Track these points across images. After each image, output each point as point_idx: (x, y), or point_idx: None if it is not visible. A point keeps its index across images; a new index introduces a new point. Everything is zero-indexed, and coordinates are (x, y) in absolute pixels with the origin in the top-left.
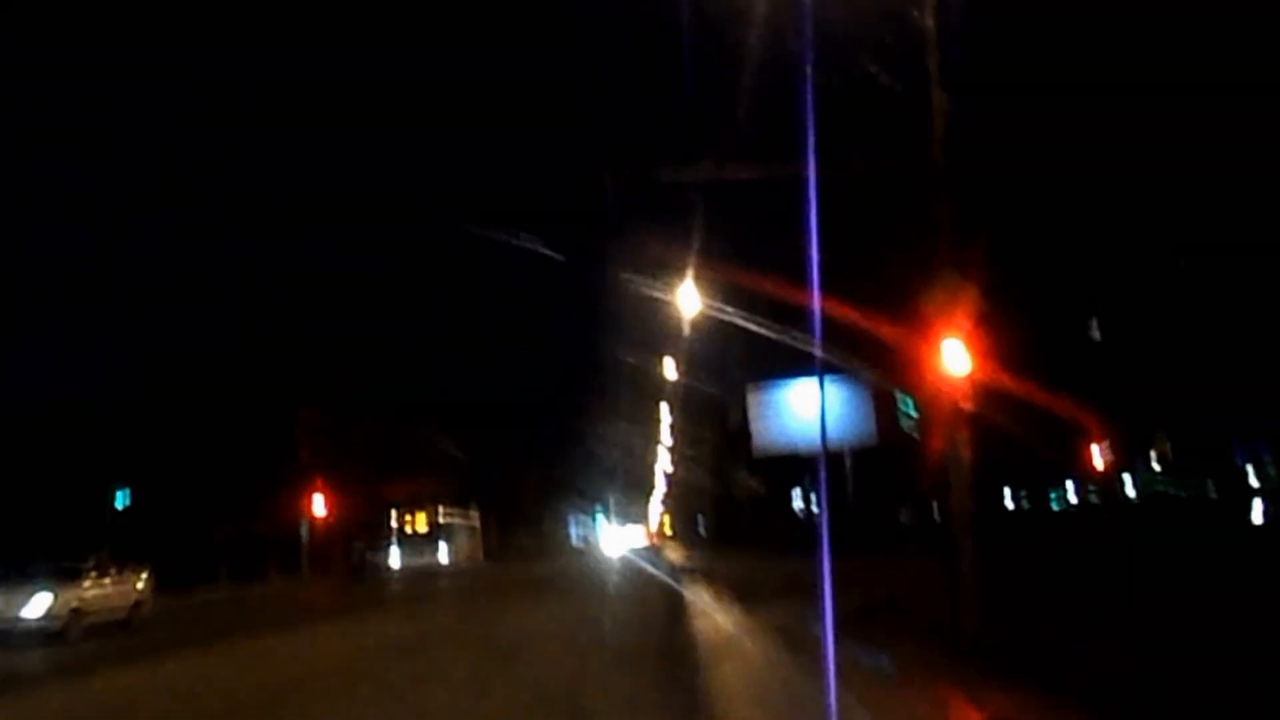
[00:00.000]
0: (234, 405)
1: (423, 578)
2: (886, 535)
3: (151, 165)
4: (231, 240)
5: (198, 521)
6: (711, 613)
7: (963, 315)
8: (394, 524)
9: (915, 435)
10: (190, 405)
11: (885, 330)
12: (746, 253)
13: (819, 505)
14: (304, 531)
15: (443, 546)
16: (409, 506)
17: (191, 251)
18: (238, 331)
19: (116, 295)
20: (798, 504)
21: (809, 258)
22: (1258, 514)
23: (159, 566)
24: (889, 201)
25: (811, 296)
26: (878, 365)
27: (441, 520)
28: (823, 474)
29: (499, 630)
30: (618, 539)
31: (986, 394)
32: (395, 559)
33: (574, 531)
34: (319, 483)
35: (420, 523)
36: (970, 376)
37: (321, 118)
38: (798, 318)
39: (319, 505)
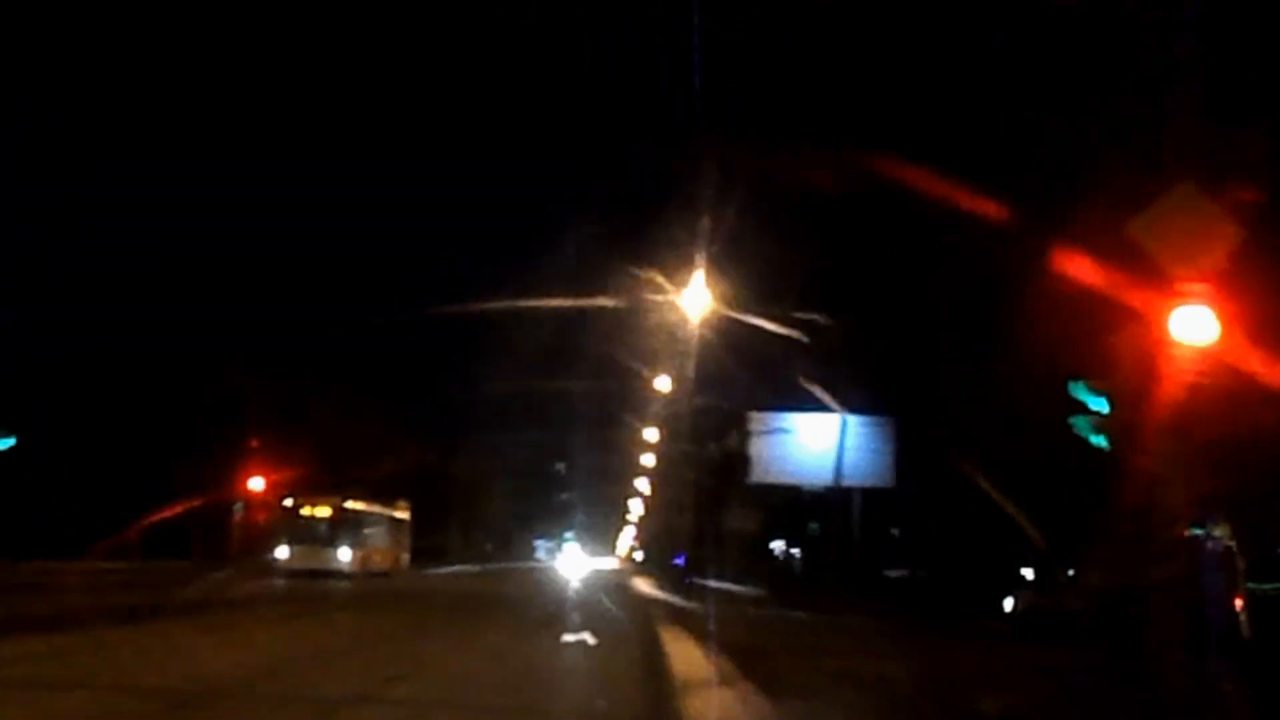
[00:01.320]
0: (167, 360)
1: (315, 581)
2: (881, 590)
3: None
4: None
5: (107, 485)
6: (712, 693)
7: (1214, 257)
8: (286, 508)
9: (1101, 442)
10: (108, 359)
11: (1062, 276)
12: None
13: (802, 547)
14: (239, 511)
15: (345, 544)
16: (310, 490)
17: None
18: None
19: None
20: (776, 544)
21: None
22: None
23: (41, 529)
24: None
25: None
26: (1044, 332)
27: (348, 508)
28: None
29: (364, 688)
30: (583, 561)
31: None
32: (282, 552)
33: (540, 546)
34: (258, 457)
35: (320, 509)
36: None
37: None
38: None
39: (257, 483)
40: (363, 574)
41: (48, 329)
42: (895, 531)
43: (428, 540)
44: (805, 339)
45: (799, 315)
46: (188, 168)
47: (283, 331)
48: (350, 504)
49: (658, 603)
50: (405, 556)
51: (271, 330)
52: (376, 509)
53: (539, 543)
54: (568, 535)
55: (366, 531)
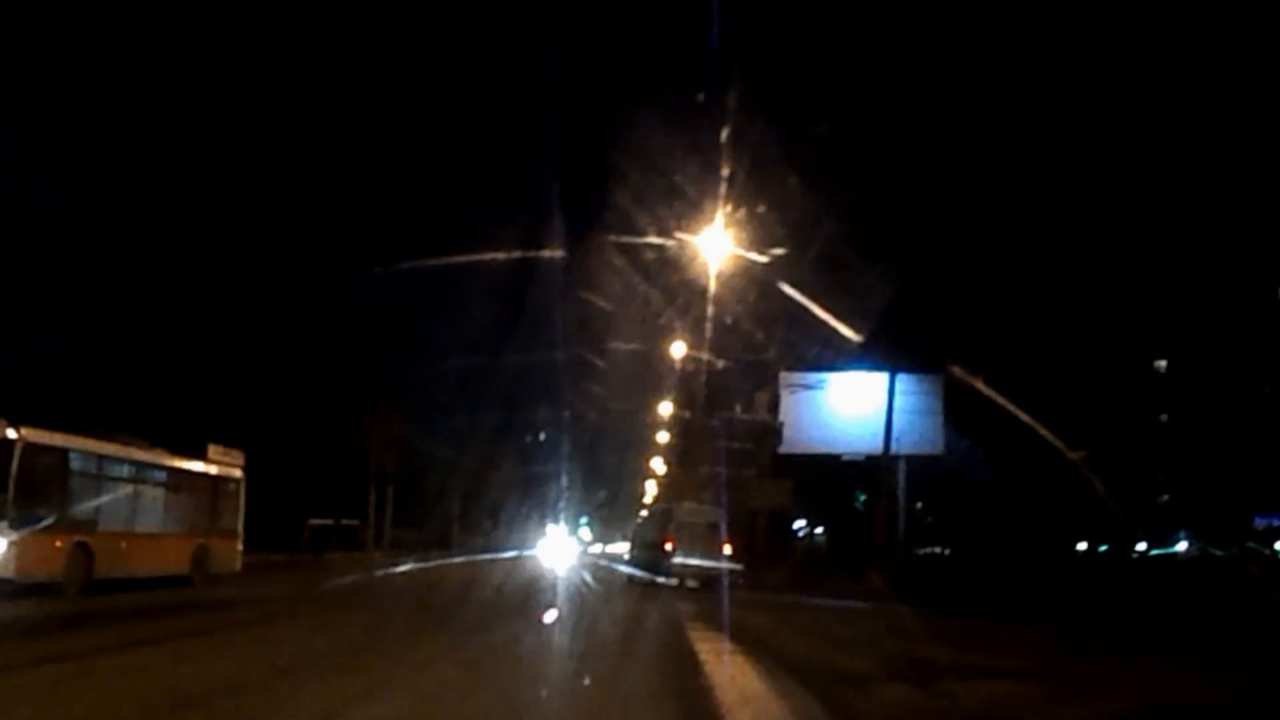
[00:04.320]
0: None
1: None
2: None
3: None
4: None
5: None
6: None
7: None
8: None
9: None
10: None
11: None
12: None
13: (828, 526)
14: None
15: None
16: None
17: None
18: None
19: None
20: (798, 523)
21: None
22: None
23: None
24: None
25: None
26: None
27: (15, 437)
28: None
29: None
30: (576, 546)
31: None
32: None
33: (549, 531)
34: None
35: None
36: None
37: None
38: None
39: None
40: (70, 585)
41: (48, 329)
42: (919, 504)
43: (427, 528)
44: (837, 285)
45: (832, 259)
46: (188, 168)
47: (285, 331)
48: (32, 433)
49: (679, 593)
50: (232, 548)
51: (274, 330)
52: (125, 450)
53: (549, 527)
54: (583, 520)
55: (82, 494)
